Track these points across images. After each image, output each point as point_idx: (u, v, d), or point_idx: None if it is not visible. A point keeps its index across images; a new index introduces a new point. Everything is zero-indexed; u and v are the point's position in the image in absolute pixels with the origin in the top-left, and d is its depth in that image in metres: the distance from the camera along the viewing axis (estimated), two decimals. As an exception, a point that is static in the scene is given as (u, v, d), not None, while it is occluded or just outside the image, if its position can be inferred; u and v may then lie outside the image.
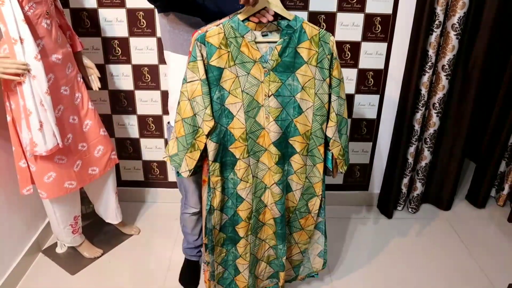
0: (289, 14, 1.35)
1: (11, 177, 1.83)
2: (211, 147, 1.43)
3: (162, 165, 2.44)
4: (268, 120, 1.43)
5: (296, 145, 1.49)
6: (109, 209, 2.12)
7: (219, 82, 1.37)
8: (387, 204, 2.42)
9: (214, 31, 1.32)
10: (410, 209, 2.48)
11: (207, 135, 1.41)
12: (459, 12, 1.94)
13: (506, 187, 2.50)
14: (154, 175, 2.48)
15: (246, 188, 1.52)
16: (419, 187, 2.41)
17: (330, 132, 1.49)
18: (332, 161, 1.55)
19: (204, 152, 1.45)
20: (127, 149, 2.40)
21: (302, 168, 1.53)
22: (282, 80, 1.40)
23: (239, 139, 1.45)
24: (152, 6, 1.50)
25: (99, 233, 2.23)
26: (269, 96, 1.40)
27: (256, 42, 1.35)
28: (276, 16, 1.34)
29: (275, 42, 1.36)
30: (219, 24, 1.33)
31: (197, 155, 1.43)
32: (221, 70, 1.36)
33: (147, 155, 2.42)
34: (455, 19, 1.96)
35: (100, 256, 2.08)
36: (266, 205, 1.57)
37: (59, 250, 2.10)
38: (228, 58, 1.35)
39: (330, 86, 1.44)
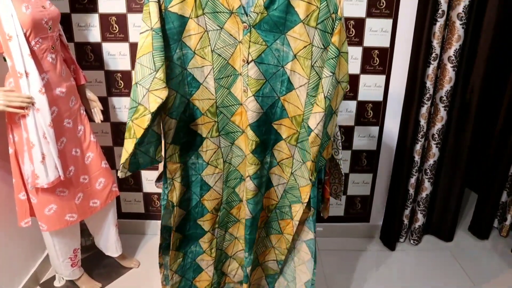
0: None
1: (11, 208, 1.82)
2: (170, 124, 1.10)
3: (162, 196, 2.43)
4: (246, 94, 1.09)
5: (282, 129, 1.16)
6: (109, 242, 2.10)
7: (180, 36, 1.02)
8: (390, 236, 2.40)
9: None
10: (412, 241, 2.45)
11: (155, 114, 1.01)
12: (455, 45, 1.98)
13: (509, 217, 2.49)
14: (155, 207, 2.47)
15: (214, 175, 1.22)
16: (420, 218, 2.40)
17: (313, 121, 1.08)
18: (323, 197, 1.29)
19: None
20: (128, 181, 2.39)
21: (288, 159, 1.19)
22: (267, 42, 1.04)
23: (206, 113, 1.13)
24: None
25: (98, 266, 2.20)
26: (248, 63, 1.06)
27: None
28: None
29: None
30: None
31: (130, 144, 1.05)
32: (184, 20, 1.02)
33: (148, 187, 2.41)
34: (451, 52, 2.00)
35: (99, 290, 2.05)
36: (241, 199, 1.27)
37: (57, 283, 2.06)
38: (195, 5, 1.01)
39: None
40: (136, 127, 1.01)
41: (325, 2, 1.00)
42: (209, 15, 1.01)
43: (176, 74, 1.05)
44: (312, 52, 1.04)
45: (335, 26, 1.01)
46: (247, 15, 1.02)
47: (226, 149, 1.19)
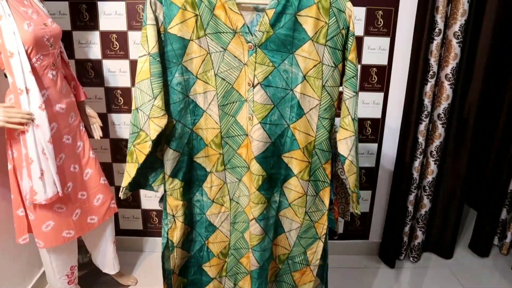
0: None
1: (8, 224, 1.81)
2: (169, 155, 1.02)
3: (161, 214, 2.42)
4: (251, 123, 0.99)
5: (293, 163, 1.04)
6: (106, 259, 2.08)
7: (181, 60, 0.96)
8: (389, 253, 2.39)
9: None
10: (411, 258, 2.44)
11: (156, 142, 0.98)
12: (452, 63, 2.00)
13: (509, 235, 2.48)
14: (153, 224, 2.45)
15: (220, 214, 1.11)
16: (419, 236, 2.39)
17: (344, 148, 1.00)
18: (334, 218, 1.15)
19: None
20: (127, 197, 2.38)
21: (301, 199, 1.08)
22: (274, 62, 0.96)
23: (210, 144, 1.03)
24: None
25: (95, 283, 2.18)
26: (254, 86, 0.97)
27: (239, 4, 0.95)
28: None
29: (266, 4, 0.94)
30: None
31: (133, 168, 1.02)
32: (184, 42, 0.95)
33: (146, 203, 2.40)
34: (448, 70, 2.02)
35: (96, 308, 2.02)
36: (250, 248, 1.12)
37: (54, 301, 2.04)
38: (196, 25, 0.94)
39: (342, 75, 1.00)
40: (138, 153, 0.98)
41: (334, 17, 0.94)
42: (211, 36, 0.95)
43: (176, 101, 0.97)
44: (322, 71, 0.97)
45: (349, 42, 0.96)
46: (252, 35, 0.95)
47: (233, 186, 1.08)
